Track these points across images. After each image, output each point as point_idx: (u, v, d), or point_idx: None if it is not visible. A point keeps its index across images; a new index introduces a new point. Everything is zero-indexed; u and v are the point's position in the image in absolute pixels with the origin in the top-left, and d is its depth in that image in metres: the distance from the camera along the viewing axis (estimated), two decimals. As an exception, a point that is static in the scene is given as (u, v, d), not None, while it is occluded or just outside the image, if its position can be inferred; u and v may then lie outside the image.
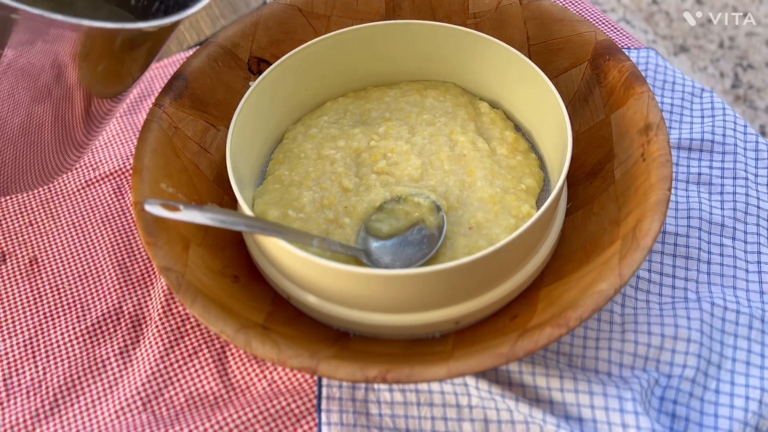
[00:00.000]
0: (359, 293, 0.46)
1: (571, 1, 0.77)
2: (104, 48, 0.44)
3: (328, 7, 0.62)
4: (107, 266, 0.58)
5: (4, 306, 0.56)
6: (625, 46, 0.71)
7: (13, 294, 0.57)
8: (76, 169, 0.65)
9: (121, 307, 0.56)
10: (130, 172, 0.64)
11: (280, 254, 0.48)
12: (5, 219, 0.62)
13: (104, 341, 0.54)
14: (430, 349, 0.47)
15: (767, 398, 0.49)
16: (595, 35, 0.57)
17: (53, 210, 0.62)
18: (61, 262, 0.59)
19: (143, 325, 0.55)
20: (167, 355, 0.53)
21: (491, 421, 0.48)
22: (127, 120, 0.69)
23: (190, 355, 0.53)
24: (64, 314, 0.56)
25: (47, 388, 0.52)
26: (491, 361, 0.42)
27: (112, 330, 0.55)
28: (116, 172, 0.65)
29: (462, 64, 0.60)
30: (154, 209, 0.44)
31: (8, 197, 0.63)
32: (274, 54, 0.61)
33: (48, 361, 0.53)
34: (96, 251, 0.59)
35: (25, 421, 0.50)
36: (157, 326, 0.54)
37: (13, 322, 0.55)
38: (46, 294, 0.57)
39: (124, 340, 0.54)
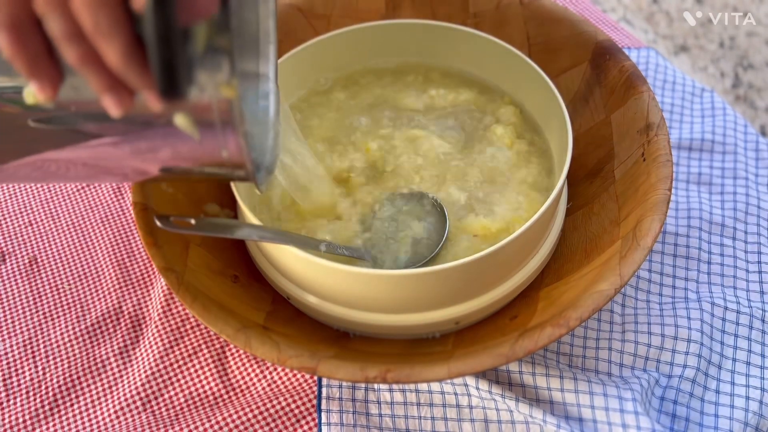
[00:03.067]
0: (359, 293, 0.46)
1: (571, 1, 0.77)
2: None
3: (328, 7, 0.62)
4: (107, 266, 0.58)
5: (4, 306, 0.56)
6: (626, 46, 0.71)
7: (13, 294, 0.57)
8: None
9: (121, 307, 0.56)
10: (130, 172, 0.64)
11: (281, 255, 0.48)
12: (5, 219, 0.61)
13: (104, 341, 0.54)
14: (430, 349, 0.47)
15: (767, 398, 0.49)
16: (596, 35, 0.57)
17: (53, 210, 0.62)
18: (61, 262, 0.59)
19: (143, 325, 0.55)
20: (167, 355, 0.53)
21: (491, 421, 0.48)
22: (127, 120, 0.69)
23: (190, 355, 0.53)
24: (64, 314, 0.56)
25: (47, 388, 0.52)
26: (491, 361, 0.42)
27: (112, 330, 0.55)
28: (116, 172, 0.65)
29: (463, 64, 0.60)
30: (166, 225, 0.43)
31: (8, 198, 0.63)
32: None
33: (48, 361, 0.53)
34: (96, 251, 0.59)
35: (24, 421, 0.50)
36: (156, 326, 0.54)
37: (13, 322, 0.55)
38: (45, 294, 0.57)
39: (124, 340, 0.54)
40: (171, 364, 0.52)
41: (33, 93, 0.32)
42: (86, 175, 0.39)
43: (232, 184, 0.48)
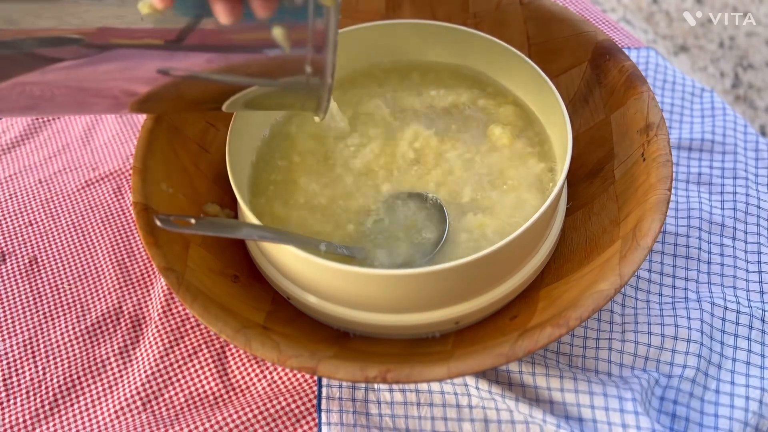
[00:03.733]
0: (359, 293, 0.46)
1: (571, 1, 0.77)
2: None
3: (328, 7, 0.62)
4: (107, 266, 0.58)
5: (4, 306, 0.56)
6: (626, 46, 0.71)
7: (13, 294, 0.57)
8: (76, 169, 0.65)
9: (121, 307, 0.56)
10: (130, 172, 0.64)
11: (281, 255, 0.48)
12: (5, 219, 0.62)
13: (104, 341, 0.54)
14: (430, 349, 0.47)
15: (767, 398, 0.49)
16: (596, 35, 0.57)
17: (53, 210, 0.62)
18: (61, 262, 0.59)
19: (143, 325, 0.55)
20: (167, 355, 0.53)
21: (491, 421, 0.48)
22: (127, 120, 0.69)
23: (190, 355, 0.53)
24: (64, 314, 0.56)
25: (47, 388, 0.52)
26: (491, 361, 0.42)
27: (112, 330, 0.55)
28: (116, 172, 0.65)
29: (463, 64, 0.60)
30: (167, 225, 0.44)
31: (8, 198, 0.63)
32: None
33: (48, 361, 0.53)
34: (96, 251, 0.59)
35: (25, 421, 0.50)
36: (157, 326, 0.54)
37: (13, 322, 0.55)
38: (45, 294, 0.57)
39: (124, 340, 0.54)
40: (171, 364, 0.52)
41: (150, 3, 0.35)
42: (74, 102, 0.40)
43: (233, 184, 0.48)
